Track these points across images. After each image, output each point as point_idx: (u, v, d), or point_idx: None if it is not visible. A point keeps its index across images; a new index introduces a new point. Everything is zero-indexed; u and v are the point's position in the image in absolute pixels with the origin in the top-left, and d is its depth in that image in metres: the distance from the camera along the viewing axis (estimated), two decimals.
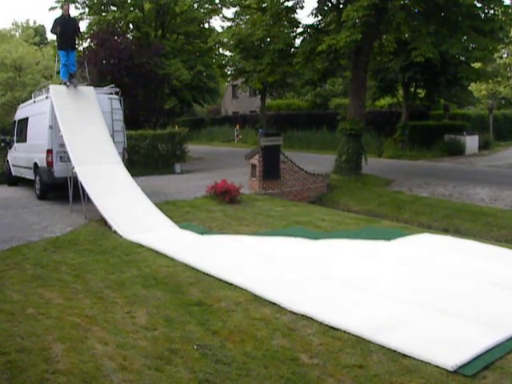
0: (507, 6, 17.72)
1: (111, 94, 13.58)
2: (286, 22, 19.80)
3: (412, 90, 28.98)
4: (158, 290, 6.41)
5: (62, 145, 11.56)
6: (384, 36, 20.78)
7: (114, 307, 5.77)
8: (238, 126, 38.96)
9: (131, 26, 28.98)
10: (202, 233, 9.51)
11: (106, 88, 14.10)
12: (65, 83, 12.88)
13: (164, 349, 4.73)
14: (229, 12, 45.57)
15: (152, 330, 5.15)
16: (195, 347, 4.78)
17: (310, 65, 20.62)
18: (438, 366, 4.46)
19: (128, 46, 23.78)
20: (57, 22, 13.04)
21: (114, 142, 12.37)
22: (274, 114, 39.86)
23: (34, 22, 67.45)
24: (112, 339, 4.83)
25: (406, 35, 19.75)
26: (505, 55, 45.46)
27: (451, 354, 4.61)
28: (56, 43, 14.32)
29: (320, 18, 19.69)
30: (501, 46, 24.61)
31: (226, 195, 12.46)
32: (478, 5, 17.33)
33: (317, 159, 22.63)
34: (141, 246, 8.59)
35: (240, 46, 24.68)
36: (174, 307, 5.81)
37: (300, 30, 20.11)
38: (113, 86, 14.07)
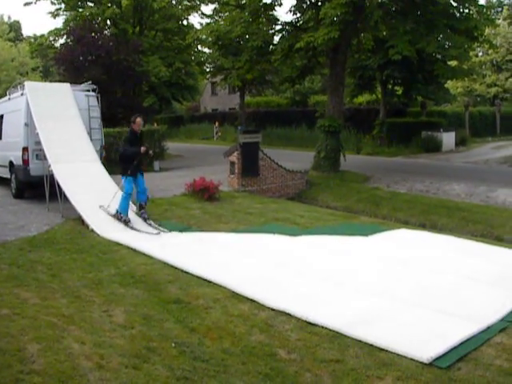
0: (482, 6, 18.00)
1: (88, 91, 13.45)
2: (264, 19, 19.78)
3: (390, 87, 29.21)
4: (136, 288, 6.38)
5: (38, 142, 11.41)
6: (362, 34, 20.89)
7: (91, 306, 5.72)
8: (217, 124, 38.89)
9: (109, 22, 28.71)
10: (180, 230, 9.48)
11: (82, 85, 13.95)
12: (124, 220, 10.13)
13: (141, 347, 4.71)
14: (207, 9, 45.67)
15: (129, 329, 5.13)
16: (173, 345, 4.78)
17: (289, 62, 20.65)
18: (413, 359, 4.53)
19: (105, 43, 23.52)
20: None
21: (91, 139, 12.26)
22: (254, 111, 39.85)
23: (9, 18, 66.49)
24: (89, 338, 4.80)
25: (384, 33, 19.91)
26: (480, 53, 46.08)
27: (427, 347, 4.68)
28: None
29: (298, 15, 19.74)
30: (476, 45, 24.93)
31: (204, 192, 12.44)
32: (454, 4, 17.57)
33: (296, 156, 22.68)
34: (118, 244, 8.54)
35: (218, 43, 24.65)
36: (152, 305, 5.79)
37: (278, 27, 20.16)
38: (90, 82, 13.92)
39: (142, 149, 9.74)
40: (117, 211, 9.93)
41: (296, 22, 19.89)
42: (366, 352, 4.69)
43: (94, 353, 4.49)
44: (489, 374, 4.33)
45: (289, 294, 6.06)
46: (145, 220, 10.06)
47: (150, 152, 10.17)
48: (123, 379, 4.09)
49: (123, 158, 9.89)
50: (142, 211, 10.24)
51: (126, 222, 9.81)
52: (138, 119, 10.05)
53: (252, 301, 5.89)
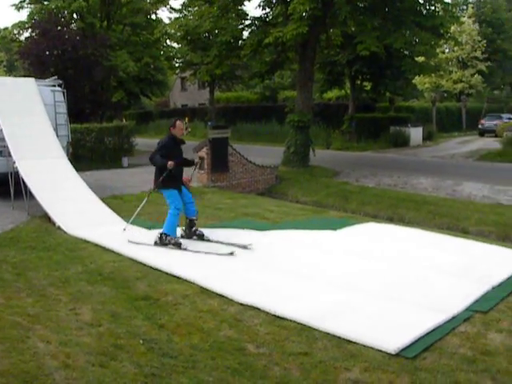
0: (447, 4, 18.33)
1: (54, 86, 13.20)
2: (233, 14, 19.76)
3: (359, 82, 29.50)
4: (104, 285, 6.30)
5: (2, 139, 11.15)
6: (331, 29, 21.04)
7: (57, 305, 5.63)
8: (186, 119, 38.64)
9: (75, 15, 28.29)
10: (149, 227, 9.38)
11: (48, 80, 13.69)
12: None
13: (109, 345, 4.66)
14: (176, 3, 45.21)
15: (97, 327, 5.07)
16: (141, 342, 4.73)
17: (258, 57, 20.70)
18: (380, 350, 4.58)
19: (72, 37, 23.17)
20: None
21: (57, 135, 12.04)
22: (223, 107, 39.77)
23: None
24: (55, 337, 4.72)
25: (353, 29, 20.09)
26: (447, 50, 46.85)
27: (393, 338, 4.74)
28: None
29: (267, 10, 19.78)
30: (442, 42, 25.36)
31: None
32: (421, 1, 17.86)
33: (266, 151, 22.73)
34: (86, 241, 8.40)
35: (187, 38, 24.51)
36: (120, 302, 5.73)
37: (248, 22, 20.15)
38: (56, 77, 13.67)
39: (170, 163, 7.87)
40: (161, 235, 8.09)
41: (265, 18, 19.94)
42: (334, 344, 4.73)
43: (59, 352, 4.42)
44: (453, 362, 4.42)
45: (258, 289, 6.07)
46: (202, 238, 8.43)
47: (197, 160, 8.60)
48: (90, 378, 4.04)
49: (156, 165, 8.22)
50: (194, 228, 8.54)
51: (179, 245, 7.95)
52: (179, 122, 8.40)
53: (221, 296, 5.87)
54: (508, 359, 4.47)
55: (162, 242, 8.07)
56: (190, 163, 8.72)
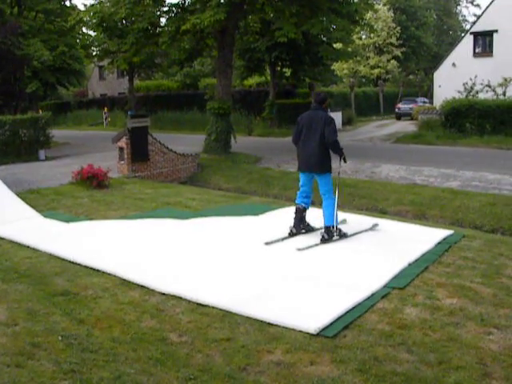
0: None
1: None
2: (150, 1, 19.31)
3: (279, 69, 29.75)
4: (20, 283, 6.06)
5: None
6: (249, 16, 21.05)
7: None
8: (106, 109, 37.61)
9: None
10: (67, 221, 9.10)
11: None
12: None
13: (26, 343, 4.50)
14: None
15: (13, 326, 4.88)
16: (60, 338, 4.61)
17: (177, 45, 20.37)
18: (302, 331, 4.69)
19: None
20: None
21: None
22: (144, 96, 39.05)
23: None
24: None
25: (271, 15, 20.20)
26: (363, 37, 48.17)
27: (314, 319, 4.86)
28: None
29: None
30: (358, 29, 26.00)
31: (93, 180, 12.05)
32: None
33: (188, 140, 22.57)
34: (1, 238, 8.04)
35: (103, 25, 23.70)
36: (38, 299, 5.54)
37: (165, 8, 19.77)
38: None
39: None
40: (328, 227, 7.55)
41: (183, 4, 19.61)
42: (256, 328, 4.80)
43: None
44: (372, 338, 4.58)
45: (179, 278, 6.04)
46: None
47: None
48: (5, 379, 3.89)
49: (335, 148, 7.53)
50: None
51: (346, 235, 7.70)
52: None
53: (142, 287, 5.81)
54: (423, 331, 4.70)
55: (331, 235, 7.52)
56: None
